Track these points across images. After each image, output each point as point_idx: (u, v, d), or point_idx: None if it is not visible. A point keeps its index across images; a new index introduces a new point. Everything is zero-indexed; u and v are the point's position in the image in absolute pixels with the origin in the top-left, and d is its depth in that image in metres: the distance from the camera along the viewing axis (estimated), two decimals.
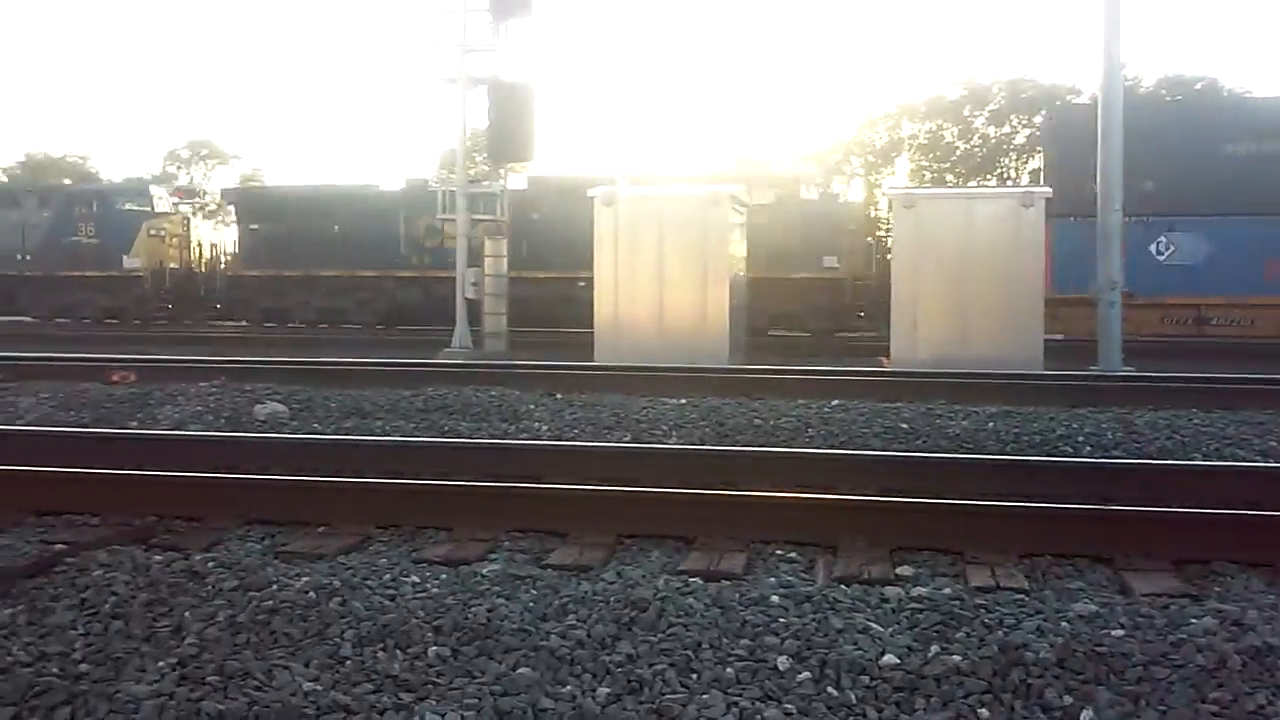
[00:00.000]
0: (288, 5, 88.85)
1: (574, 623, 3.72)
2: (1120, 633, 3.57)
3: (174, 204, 29.12)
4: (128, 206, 27.67)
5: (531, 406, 9.34)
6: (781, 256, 20.69)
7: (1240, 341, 18.50)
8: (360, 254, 24.54)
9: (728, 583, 4.21)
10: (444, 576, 4.26)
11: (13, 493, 5.65)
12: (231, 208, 28.93)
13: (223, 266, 27.79)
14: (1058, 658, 3.35)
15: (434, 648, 3.53)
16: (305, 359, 14.05)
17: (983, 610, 3.83)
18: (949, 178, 42.92)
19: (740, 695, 3.22)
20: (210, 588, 4.01)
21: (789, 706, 3.16)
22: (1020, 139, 43.86)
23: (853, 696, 3.22)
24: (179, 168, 57.28)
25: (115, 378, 11.34)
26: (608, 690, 3.27)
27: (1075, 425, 8.25)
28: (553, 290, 22.03)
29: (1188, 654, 3.38)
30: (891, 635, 3.60)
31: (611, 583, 4.15)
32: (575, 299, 20.49)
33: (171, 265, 27.50)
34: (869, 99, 71.82)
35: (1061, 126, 20.44)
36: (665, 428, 8.34)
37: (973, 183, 41.84)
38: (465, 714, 3.10)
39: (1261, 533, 4.72)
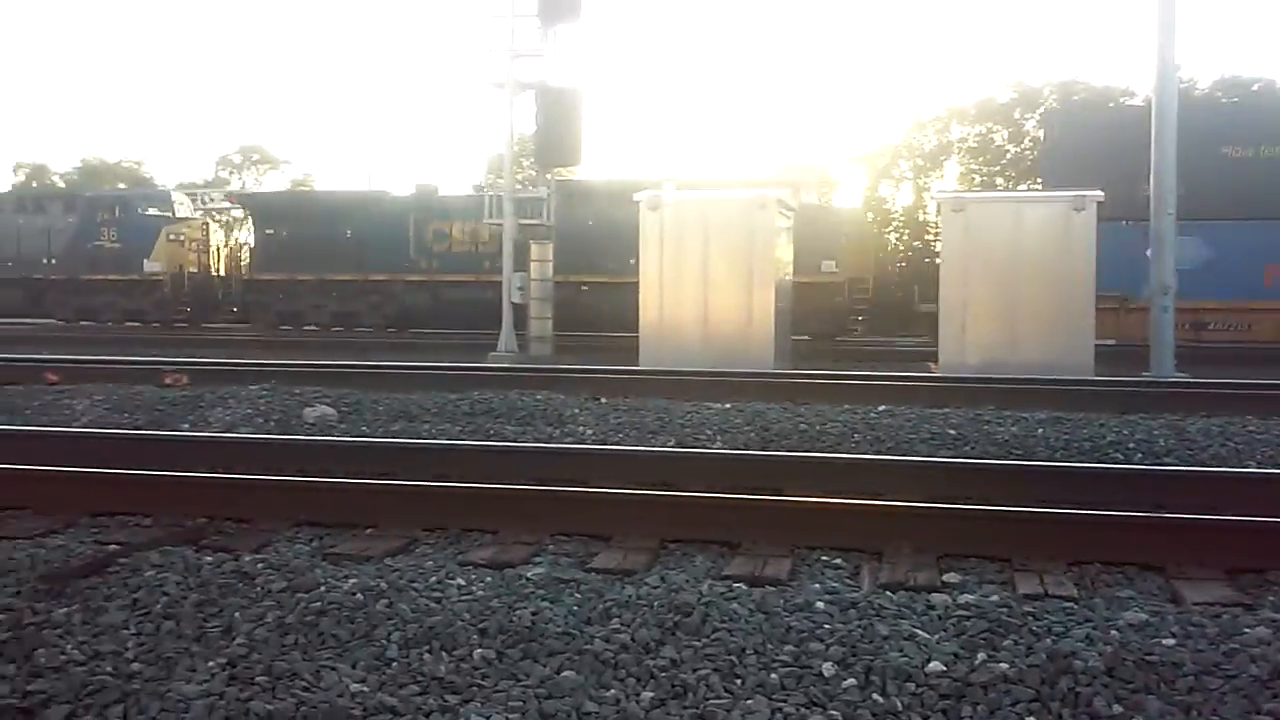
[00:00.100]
0: (339, 13, 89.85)
1: (618, 627, 3.73)
2: (1171, 642, 3.51)
3: (200, 209, 29.91)
4: (150, 212, 28.43)
5: (576, 411, 9.37)
6: None
7: (1237, 346, 18.30)
8: (371, 258, 25.12)
9: (772, 588, 4.20)
10: (489, 579, 4.28)
11: (68, 493, 5.77)
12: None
13: (241, 270, 28.38)
14: (1107, 666, 3.31)
15: (479, 650, 3.55)
16: (354, 363, 14.20)
17: (1030, 618, 3.79)
18: (999, 181, 42.45)
19: (785, 701, 3.21)
20: (259, 589, 4.06)
21: (834, 713, 3.14)
22: None
23: (898, 704, 3.20)
24: (231, 172, 57.96)
25: (169, 380, 11.52)
26: (651, 694, 3.27)
27: (1126, 431, 8.14)
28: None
29: (1241, 664, 3.33)
30: (938, 642, 3.57)
31: (655, 587, 4.15)
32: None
33: (190, 269, 28.14)
34: (917, 102, 71.18)
35: (1062, 128, 20.39)
36: (710, 432, 8.33)
37: (1023, 186, 41.38)
38: (510, 716, 3.12)
39: None
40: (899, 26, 74.40)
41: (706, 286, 15.45)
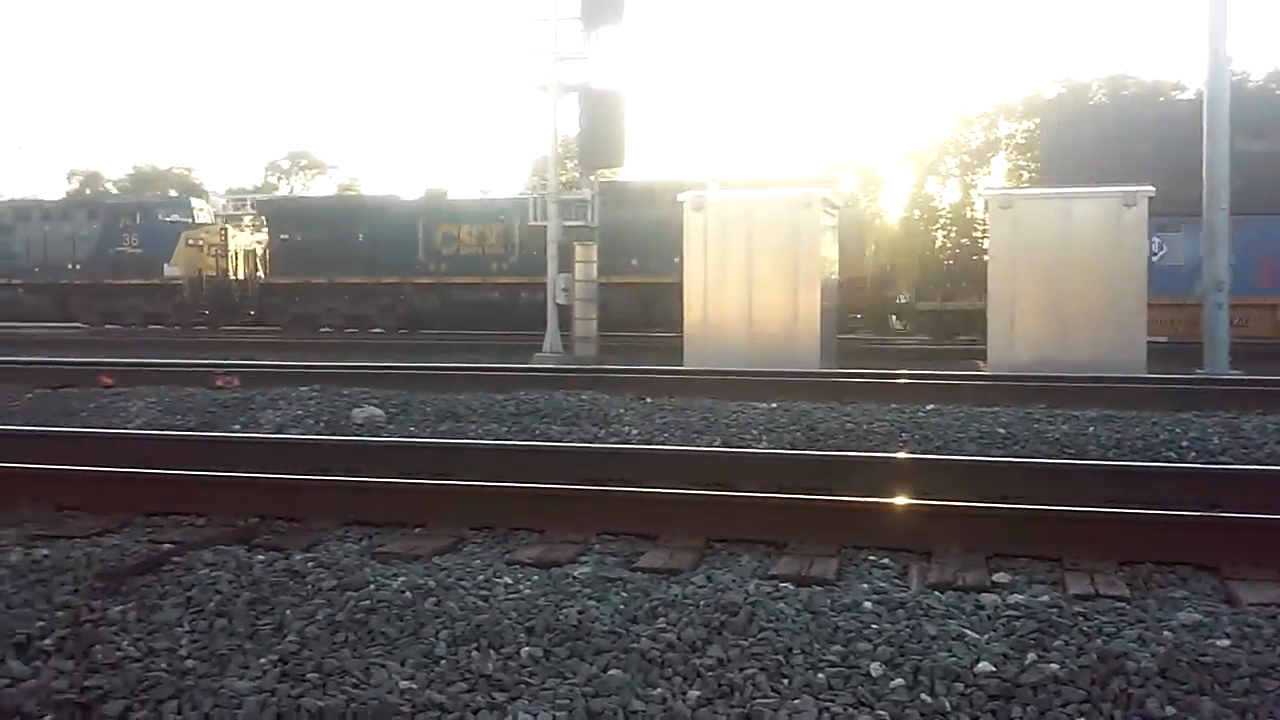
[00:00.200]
0: (384, 19, 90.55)
1: (664, 626, 3.73)
2: (1226, 643, 3.46)
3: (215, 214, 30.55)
4: (171, 218, 29.15)
5: (621, 411, 9.38)
6: None
7: (1235, 344, 18.01)
8: (382, 262, 25.45)
9: (819, 588, 4.18)
10: (536, 578, 4.30)
11: (123, 494, 5.86)
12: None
13: (258, 274, 28.84)
14: (1160, 667, 3.27)
15: (526, 648, 3.57)
16: (401, 364, 14.32)
17: (1081, 618, 3.75)
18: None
19: (832, 701, 3.19)
20: (310, 587, 4.10)
21: (882, 713, 3.13)
22: None
23: (946, 704, 3.18)
24: (279, 178, 58.64)
25: (220, 382, 11.68)
26: (698, 693, 3.27)
27: (1179, 430, 8.02)
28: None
29: None
30: (987, 642, 3.54)
31: (701, 586, 4.15)
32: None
33: (208, 273, 28.67)
34: (964, 98, 70.50)
35: (1058, 125, 20.15)
36: (755, 432, 8.31)
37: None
38: (557, 714, 3.13)
39: None
40: (945, 22, 73.77)
41: (751, 286, 15.39)
